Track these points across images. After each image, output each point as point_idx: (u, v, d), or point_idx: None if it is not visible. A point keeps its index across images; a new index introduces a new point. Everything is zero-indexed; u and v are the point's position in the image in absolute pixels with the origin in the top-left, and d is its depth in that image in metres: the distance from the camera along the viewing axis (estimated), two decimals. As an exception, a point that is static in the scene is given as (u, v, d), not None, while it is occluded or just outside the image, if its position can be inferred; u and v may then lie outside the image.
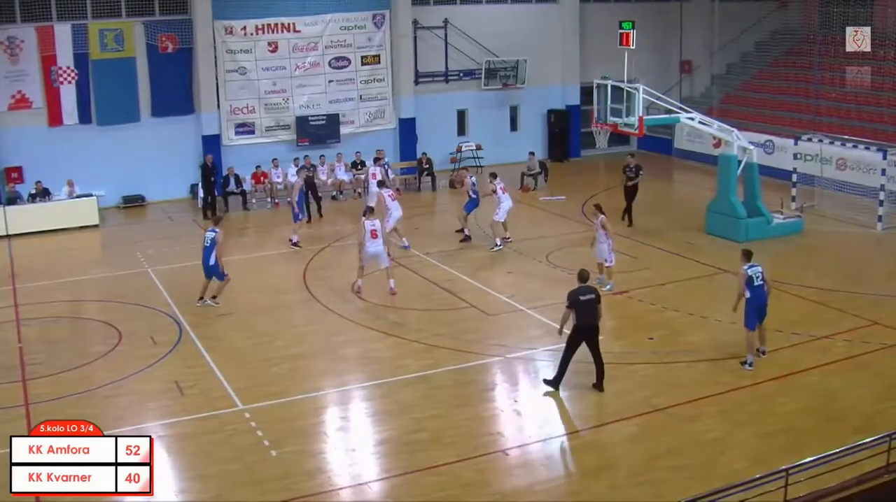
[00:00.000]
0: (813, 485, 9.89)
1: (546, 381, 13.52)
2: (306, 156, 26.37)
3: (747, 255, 14.23)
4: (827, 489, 9.84)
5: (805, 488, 9.80)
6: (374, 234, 17.35)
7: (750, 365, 13.93)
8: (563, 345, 13.43)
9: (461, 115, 31.50)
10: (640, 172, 22.77)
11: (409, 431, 12.36)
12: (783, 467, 9.64)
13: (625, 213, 22.64)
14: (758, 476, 9.73)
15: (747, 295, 13.84)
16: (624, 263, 18.81)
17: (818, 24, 28.52)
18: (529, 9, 32.10)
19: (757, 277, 13.87)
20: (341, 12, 28.65)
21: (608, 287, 17.19)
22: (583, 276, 13.46)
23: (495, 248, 20.60)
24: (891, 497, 10.04)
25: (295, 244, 21.49)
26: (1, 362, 14.97)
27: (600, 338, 13.50)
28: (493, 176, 21.19)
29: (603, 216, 17.45)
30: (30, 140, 25.29)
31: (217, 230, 17.29)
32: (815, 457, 10.13)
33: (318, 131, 28.42)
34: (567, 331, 13.49)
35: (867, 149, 23.19)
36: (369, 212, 18.20)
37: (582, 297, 13.09)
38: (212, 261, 17.11)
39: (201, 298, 17.43)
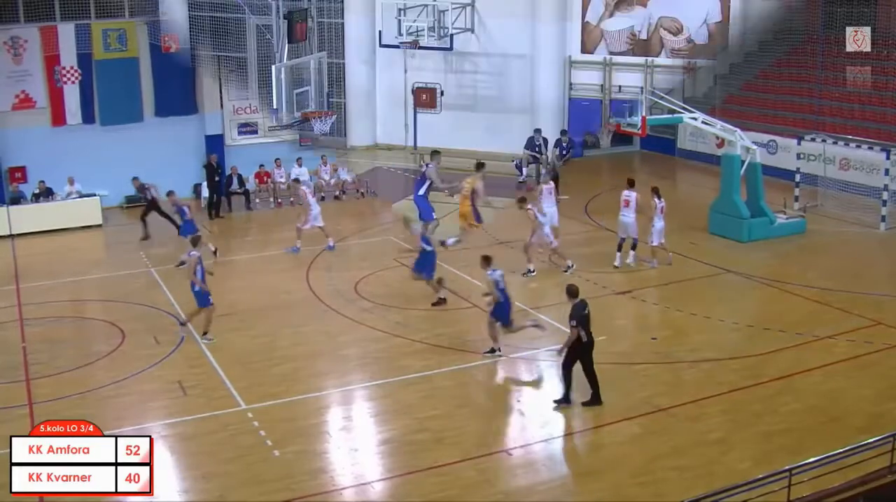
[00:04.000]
0: (816, 486, 9.89)
1: (557, 401, 12.95)
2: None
3: (487, 260, 14.75)
4: (830, 489, 9.85)
5: (808, 488, 9.80)
6: (626, 203, 19.16)
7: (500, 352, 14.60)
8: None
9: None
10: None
11: (412, 431, 12.36)
12: (786, 467, 9.66)
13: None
14: (761, 476, 9.75)
15: (500, 299, 14.32)
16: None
17: (821, 24, 28.44)
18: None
19: (498, 282, 14.42)
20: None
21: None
22: (572, 292, 13.00)
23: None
24: (894, 497, 10.02)
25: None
26: (4, 362, 15.00)
27: (602, 337, 13.49)
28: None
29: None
30: (33, 140, 25.30)
31: (193, 253, 15.59)
32: (818, 458, 10.14)
33: (320, 131, 28.42)
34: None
35: (870, 149, 23.13)
36: (629, 184, 19.74)
37: (585, 312, 12.78)
38: (196, 287, 15.56)
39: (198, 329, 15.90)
